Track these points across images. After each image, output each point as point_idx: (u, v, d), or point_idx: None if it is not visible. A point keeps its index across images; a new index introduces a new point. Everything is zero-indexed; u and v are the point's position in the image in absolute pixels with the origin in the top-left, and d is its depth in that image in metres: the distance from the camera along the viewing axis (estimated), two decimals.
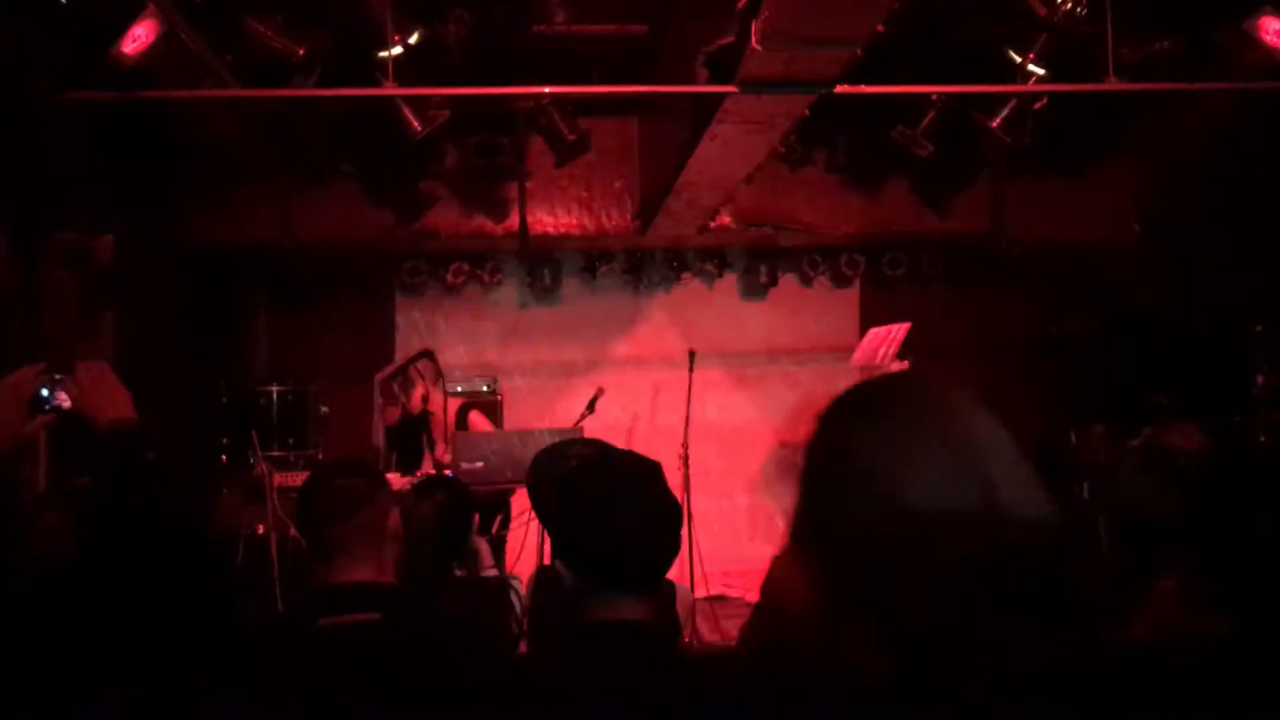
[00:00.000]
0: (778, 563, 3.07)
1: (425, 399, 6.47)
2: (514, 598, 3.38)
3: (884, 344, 6.68)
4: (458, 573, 3.35)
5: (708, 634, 6.99)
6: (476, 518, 3.51)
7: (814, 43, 4.02)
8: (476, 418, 6.56)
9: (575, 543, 2.00)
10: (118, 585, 2.07)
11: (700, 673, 2.29)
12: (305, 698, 2.21)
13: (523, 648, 3.27)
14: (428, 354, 6.68)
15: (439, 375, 6.61)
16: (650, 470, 2.05)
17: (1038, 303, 8.88)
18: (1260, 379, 6.57)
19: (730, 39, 4.40)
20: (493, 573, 3.67)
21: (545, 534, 6.14)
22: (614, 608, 1.94)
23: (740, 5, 4.09)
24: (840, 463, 1.20)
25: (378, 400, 6.59)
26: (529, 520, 6.32)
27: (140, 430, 2.29)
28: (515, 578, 3.75)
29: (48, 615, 1.93)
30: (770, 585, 2.97)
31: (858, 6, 3.71)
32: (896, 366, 6.78)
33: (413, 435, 6.67)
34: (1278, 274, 6.80)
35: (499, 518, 5.95)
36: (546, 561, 6.11)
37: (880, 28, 4.12)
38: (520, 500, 6.57)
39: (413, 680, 2.27)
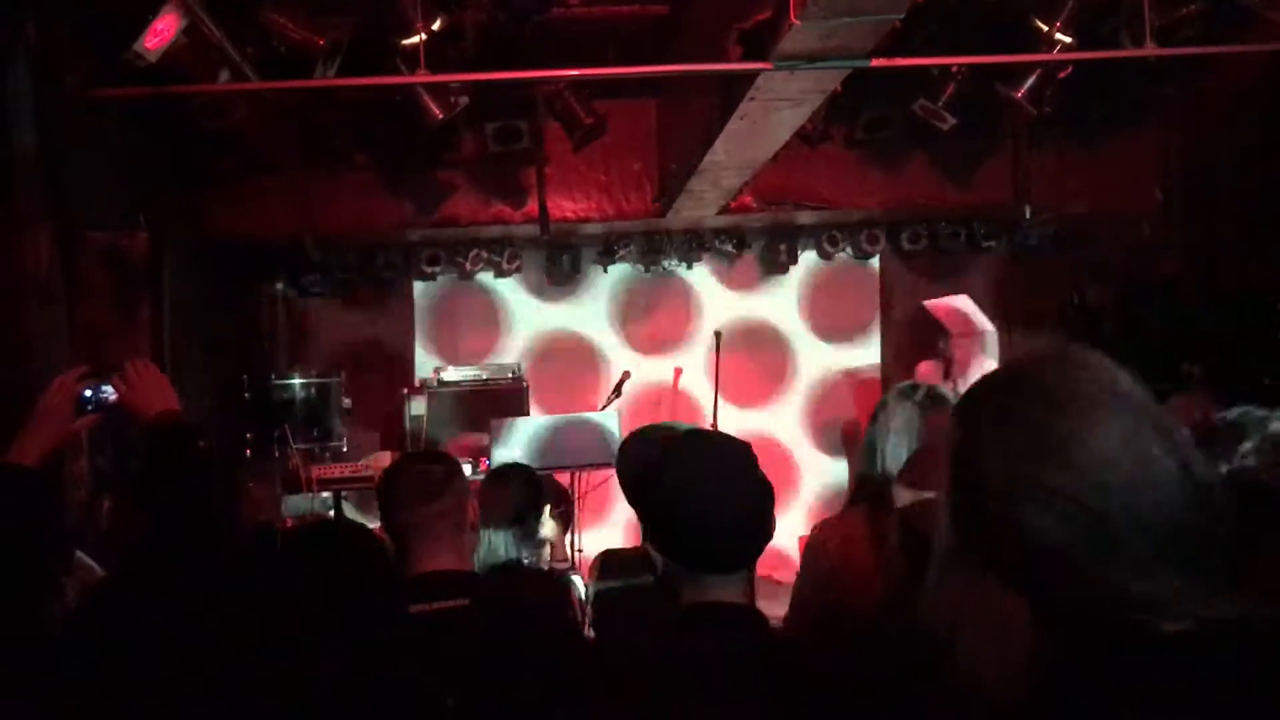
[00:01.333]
0: (826, 527, 3.06)
1: None
2: (573, 589, 3.37)
3: (964, 312, 6.66)
4: (525, 561, 3.32)
5: None
6: (548, 508, 3.49)
7: (855, 14, 3.97)
8: None
9: (665, 527, 1.98)
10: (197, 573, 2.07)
11: (795, 650, 2.29)
12: (403, 683, 2.20)
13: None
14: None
15: None
16: (739, 451, 2.03)
17: (1060, 273, 8.85)
18: None
19: (767, 14, 4.35)
20: (563, 564, 3.66)
21: (575, 522, 6.16)
22: (710, 589, 1.94)
23: None
24: (1019, 438, 1.15)
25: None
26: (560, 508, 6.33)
27: (186, 421, 2.36)
28: (572, 568, 3.74)
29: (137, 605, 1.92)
30: (821, 550, 2.96)
31: None
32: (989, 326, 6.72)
33: None
34: None
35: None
36: (580, 549, 6.12)
37: None
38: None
39: (505, 667, 2.27)
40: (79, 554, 2.53)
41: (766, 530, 1.98)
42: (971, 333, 6.61)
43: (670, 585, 1.98)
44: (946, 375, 6.76)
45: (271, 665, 1.78)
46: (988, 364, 6.78)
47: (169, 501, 2.17)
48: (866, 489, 2.88)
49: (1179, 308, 7.61)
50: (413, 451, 2.69)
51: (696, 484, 1.90)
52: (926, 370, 6.89)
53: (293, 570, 1.99)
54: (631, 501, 2.53)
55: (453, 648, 2.25)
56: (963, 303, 6.79)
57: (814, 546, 2.93)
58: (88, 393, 2.33)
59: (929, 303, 6.93)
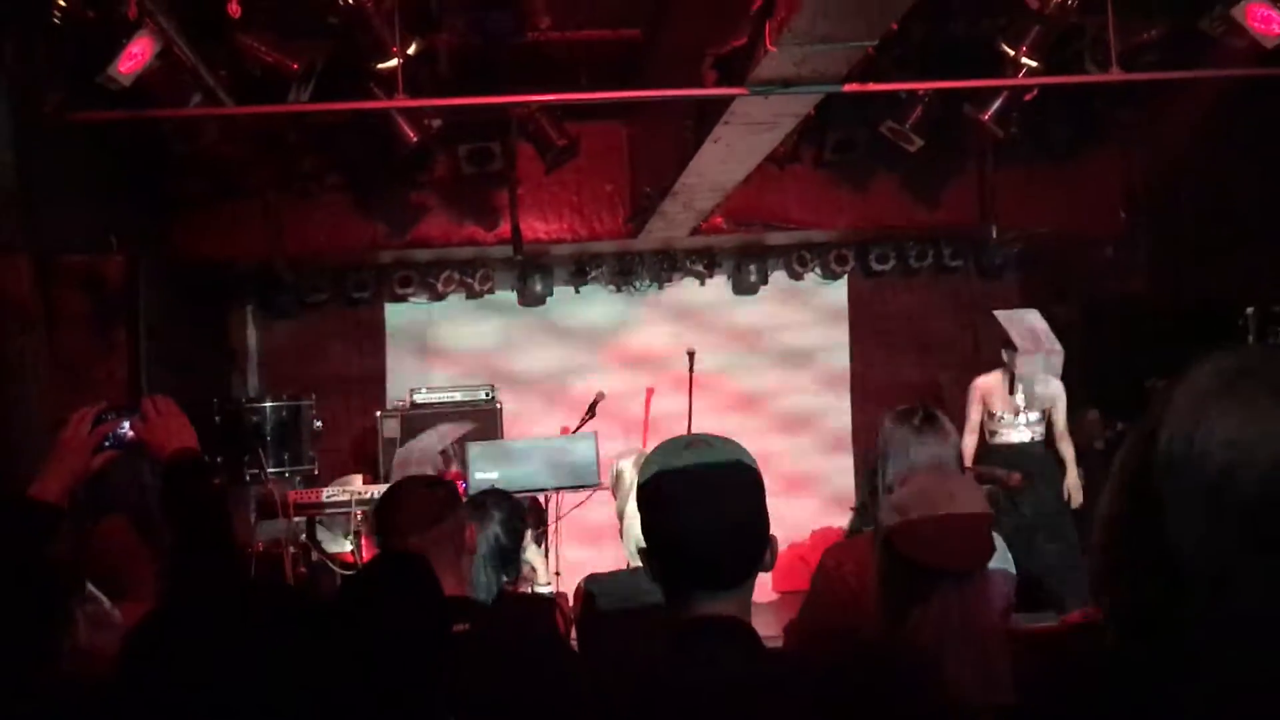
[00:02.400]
0: (839, 552, 3.09)
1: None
2: (558, 615, 3.38)
3: (1037, 323, 6.68)
4: (505, 585, 3.33)
5: None
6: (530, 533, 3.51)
7: (829, 42, 4.04)
8: None
9: (654, 543, 1.99)
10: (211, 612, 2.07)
11: (791, 664, 2.30)
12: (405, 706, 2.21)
13: None
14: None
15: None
16: (731, 465, 2.00)
17: (1026, 291, 8.98)
18: None
19: (742, 41, 4.41)
20: (546, 587, 3.66)
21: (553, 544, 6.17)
22: (703, 606, 1.93)
23: (755, 7, 4.10)
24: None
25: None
26: (540, 530, 6.34)
27: (204, 459, 2.34)
28: (561, 593, 3.76)
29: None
30: (837, 576, 2.98)
31: (876, 5, 3.73)
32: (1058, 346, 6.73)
33: None
34: (1265, 259, 6.90)
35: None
36: (557, 571, 6.12)
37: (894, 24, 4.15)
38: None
39: (507, 691, 2.28)
40: (89, 585, 2.52)
41: (760, 546, 1.96)
42: (1039, 350, 6.63)
43: (667, 604, 1.99)
44: (1011, 390, 6.77)
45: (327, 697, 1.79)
46: (1053, 383, 6.80)
47: (185, 538, 2.16)
48: (867, 511, 2.91)
49: (1142, 326, 7.74)
50: (413, 477, 2.70)
51: (679, 500, 1.88)
52: (987, 385, 6.88)
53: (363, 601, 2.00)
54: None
55: (455, 671, 2.26)
56: (1034, 319, 6.82)
57: (828, 572, 2.94)
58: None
59: (1000, 313, 6.95)
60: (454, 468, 6.26)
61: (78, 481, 2.28)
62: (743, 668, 1.89)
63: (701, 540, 1.87)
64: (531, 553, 3.49)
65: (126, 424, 2.33)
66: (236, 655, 1.17)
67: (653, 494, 1.95)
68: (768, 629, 3.08)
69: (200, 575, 2.10)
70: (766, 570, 1.98)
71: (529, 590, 3.80)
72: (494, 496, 3.44)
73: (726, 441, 2.02)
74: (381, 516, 2.54)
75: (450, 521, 2.49)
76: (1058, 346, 6.74)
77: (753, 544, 1.94)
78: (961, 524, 2.33)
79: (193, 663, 1.18)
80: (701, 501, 1.88)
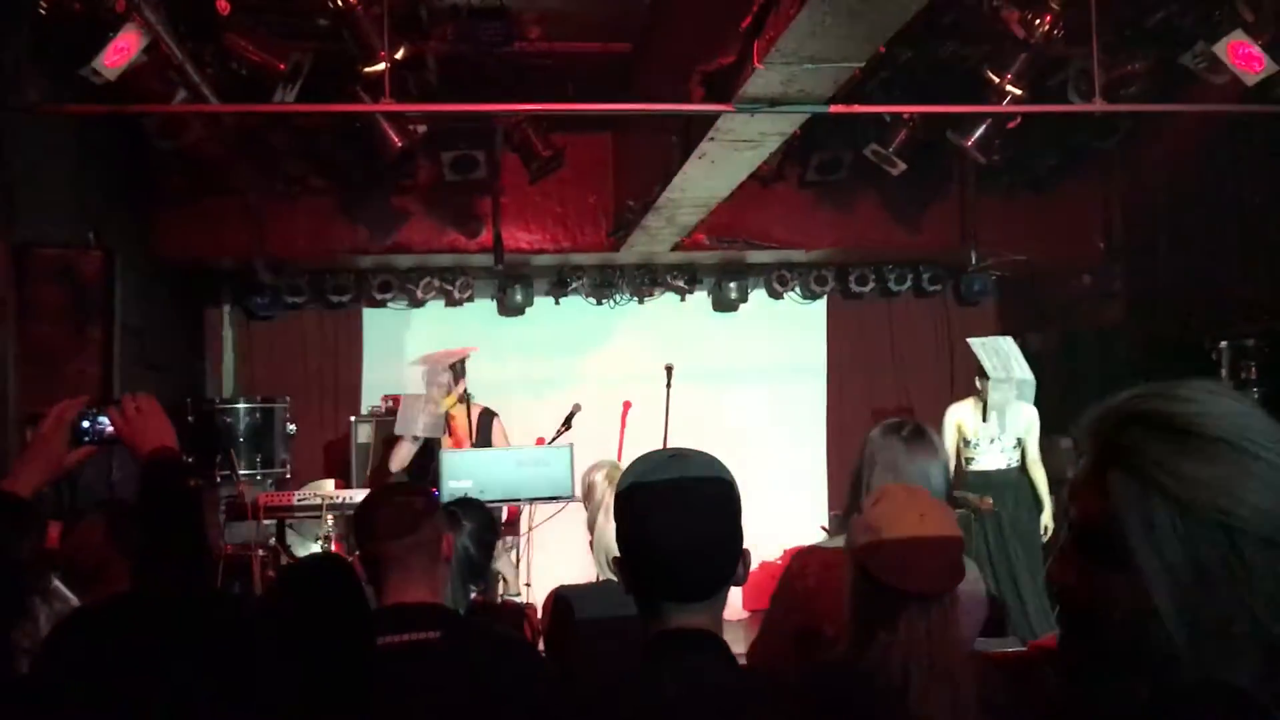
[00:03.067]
0: (806, 555, 3.09)
1: (461, 398, 6.50)
2: (526, 626, 3.37)
3: (1011, 351, 6.74)
4: (474, 596, 3.32)
5: None
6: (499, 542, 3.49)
7: (817, 62, 4.06)
8: (501, 426, 6.60)
9: (627, 554, 1.99)
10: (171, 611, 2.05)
11: (762, 677, 2.30)
12: (369, 714, 2.19)
13: None
14: (466, 356, 6.71)
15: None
16: (707, 478, 1.99)
17: (1003, 317, 9.05)
18: None
19: (731, 58, 4.43)
20: (517, 597, 3.64)
21: (523, 558, 6.15)
22: (674, 618, 1.93)
23: (744, 25, 4.12)
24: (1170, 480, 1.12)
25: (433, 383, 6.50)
26: (513, 541, 6.31)
27: (182, 458, 2.32)
28: (520, 599, 3.74)
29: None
30: (799, 575, 2.98)
31: (864, 27, 3.76)
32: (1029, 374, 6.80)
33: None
34: (1239, 292, 6.96)
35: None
36: (528, 582, 6.10)
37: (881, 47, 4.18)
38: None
39: (475, 700, 2.27)
40: (55, 582, 2.50)
41: (731, 560, 1.95)
42: (1011, 377, 6.70)
43: (639, 615, 1.99)
44: (985, 417, 6.83)
45: (243, 698, 1.77)
46: (1025, 410, 6.85)
47: (158, 538, 2.14)
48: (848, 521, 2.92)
49: (1117, 355, 7.80)
50: (391, 484, 2.72)
51: (654, 512, 1.90)
52: (961, 411, 6.95)
53: (276, 604, 1.98)
54: None
55: (422, 679, 2.24)
56: (1007, 346, 6.88)
57: (792, 572, 2.95)
58: (85, 424, 2.29)
59: (974, 340, 7.01)
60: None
61: (53, 478, 2.26)
62: (713, 679, 1.90)
63: (675, 552, 1.87)
64: (503, 563, 3.47)
65: (106, 420, 2.31)
66: (140, 653, 1.18)
67: (629, 505, 1.96)
68: (737, 646, 3.08)
69: (169, 576, 2.08)
70: (739, 584, 1.98)
71: (499, 600, 3.77)
72: (466, 506, 3.42)
73: (704, 455, 2.03)
74: (360, 522, 2.54)
75: (427, 529, 2.48)
76: (1030, 374, 6.80)
77: (726, 557, 1.94)
78: (932, 547, 2.33)
79: (97, 660, 1.18)
80: (677, 514, 1.89)
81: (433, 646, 2.32)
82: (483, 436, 6.60)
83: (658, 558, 1.89)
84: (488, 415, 6.74)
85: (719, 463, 2.02)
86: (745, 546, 1.97)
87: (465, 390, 6.62)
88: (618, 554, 1.96)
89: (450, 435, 6.60)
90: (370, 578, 2.47)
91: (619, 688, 1.92)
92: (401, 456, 6.52)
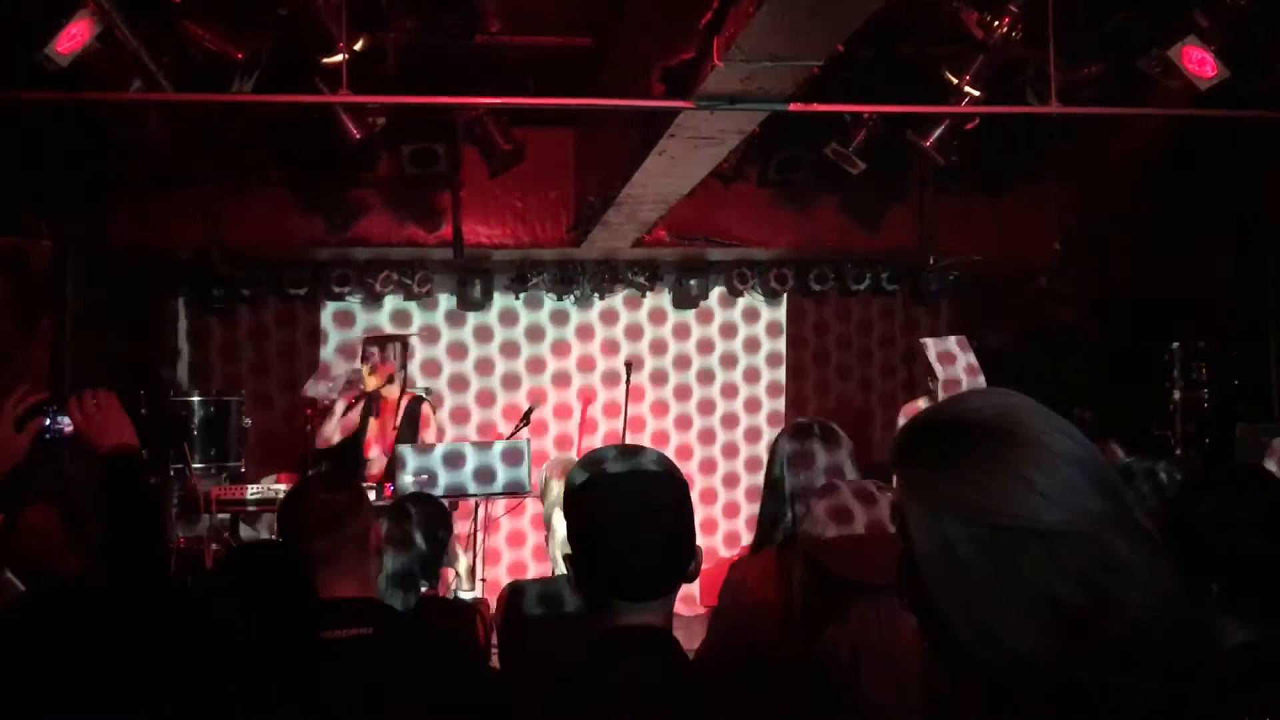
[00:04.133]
0: (743, 567, 3.11)
1: (391, 380, 6.47)
2: (478, 620, 3.36)
3: (961, 352, 6.75)
4: (425, 590, 3.30)
5: None
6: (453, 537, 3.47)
7: (776, 60, 4.07)
8: (429, 411, 6.59)
9: (579, 552, 1.98)
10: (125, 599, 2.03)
11: (712, 675, 2.30)
12: (301, 712, 2.18)
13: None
14: (405, 340, 6.69)
15: (404, 369, 6.64)
16: (659, 476, 1.98)
17: (960, 317, 9.12)
18: (1178, 395, 6.82)
19: (690, 54, 4.43)
20: (470, 593, 3.62)
21: (477, 553, 6.14)
22: (625, 616, 1.93)
23: (703, 22, 4.12)
24: (954, 488, 1.15)
25: (350, 364, 6.50)
26: (467, 537, 6.29)
27: (141, 456, 2.36)
28: (475, 595, 3.73)
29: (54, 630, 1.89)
30: (740, 589, 3.00)
31: (823, 25, 3.77)
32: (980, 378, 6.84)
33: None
34: (1190, 296, 7.07)
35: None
36: (483, 578, 6.09)
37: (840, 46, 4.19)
38: (462, 515, 6.52)
39: (408, 697, 2.26)
40: (6, 574, 2.47)
41: (683, 559, 1.95)
42: (960, 376, 6.75)
43: (589, 611, 1.98)
44: None
45: (188, 689, 1.75)
46: None
47: (115, 534, 2.13)
48: (774, 527, 2.93)
49: (1072, 356, 7.89)
50: (315, 476, 2.70)
51: (606, 509, 1.89)
52: (915, 409, 6.99)
53: (224, 594, 1.97)
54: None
55: (353, 676, 2.23)
56: (958, 345, 6.92)
57: (732, 586, 2.96)
58: (46, 422, 2.30)
59: (926, 340, 7.06)
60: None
61: (9, 467, 2.25)
62: (664, 677, 1.89)
63: (627, 549, 1.87)
64: (459, 560, 3.45)
65: (66, 420, 2.32)
66: (96, 641, 1.18)
67: (580, 501, 1.95)
68: (692, 642, 3.10)
69: (125, 571, 2.07)
70: (690, 581, 1.98)
71: (452, 596, 3.75)
72: (417, 501, 3.40)
73: (655, 452, 2.03)
74: (284, 520, 2.50)
75: (353, 525, 2.45)
76: (980, 375, 6.86)
77: (678, 555, 1.94)
78: (880, 540, 2.36)
79: (33, 648, 1.18)
80: (628, 510, 1.89)
81: (365, 642, 2.30)
82: (409, 421, 6.60)
83: (609, 556, 1.88)
84: (416, 401, 6.75)
85: (669, 460, 2.02)
86: (697, 544, 1.97)
87: (404, 374, 6.63)
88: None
89: (376, 417, 6.61)
90: None
91: (566, 687, 1.92)
92: (334, 424, 6.53)
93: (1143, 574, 1.09)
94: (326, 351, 8.43)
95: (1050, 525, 1.09)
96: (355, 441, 6.66)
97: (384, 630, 2.39)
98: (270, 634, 1.90)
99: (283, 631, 1.95)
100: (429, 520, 3.32)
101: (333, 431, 6.57)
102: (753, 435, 9.09)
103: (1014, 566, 1.09)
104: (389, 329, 8.46)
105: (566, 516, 2.02)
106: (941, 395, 6.77)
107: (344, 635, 2.33)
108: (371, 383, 6.49)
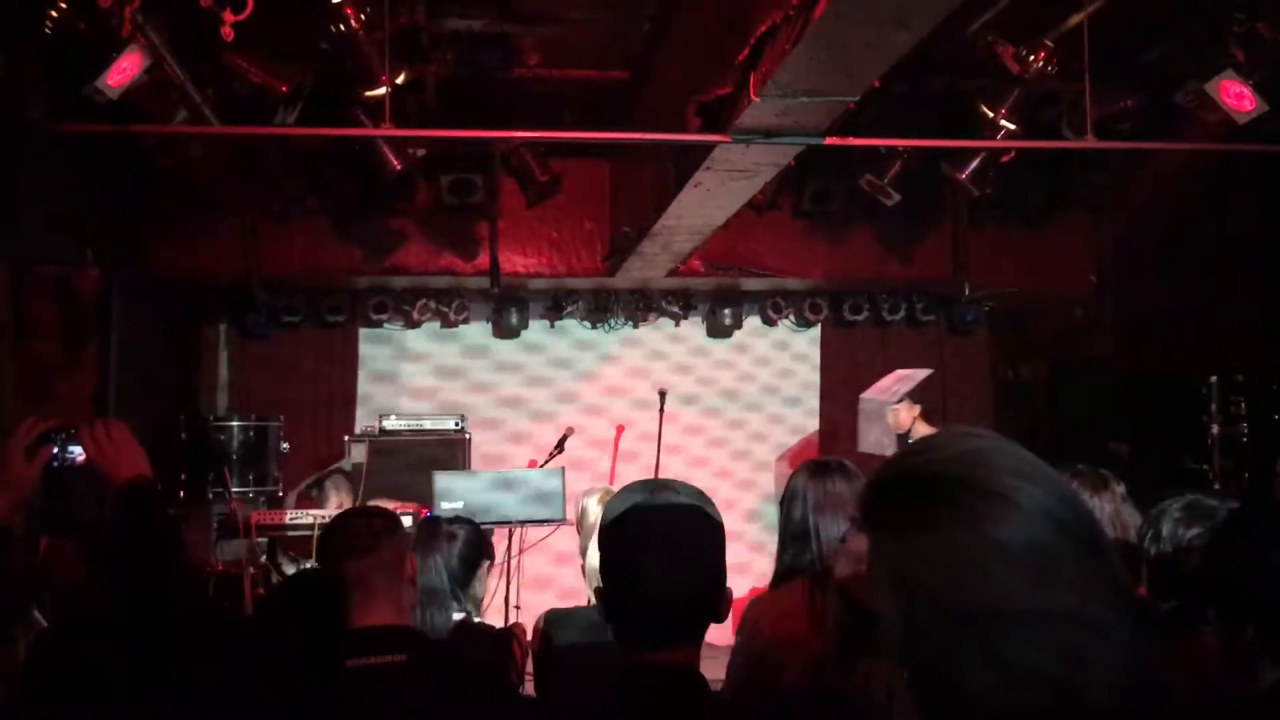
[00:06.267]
0: (761, 604, 3.11)
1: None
2: (515, 646, 3.37)
3: (900, 382, 6.77)
4: (458, 616, 3.32)
5: None
6: (487, 564, 3.49)
7: (812, 95, 4.11)
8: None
9: (607, 594, 1.98)
10: (144, 636, 2.06)
11: (740, 714, 2.31)
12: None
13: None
14: (341, 470, 6.74)
15: (352, 492, 6.67)
16: (687, 522, 1.98)
17: (994, 348, 9.10)
18: (1215, 429, 6.76)
19: (727, 89, 4.48)
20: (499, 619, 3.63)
21: (513, 580, 6.16)
22: (653, 651, 1.92)
23: (740, 58, 4.17)
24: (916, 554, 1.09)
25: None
26: (502, 564, 6.32)
27: (158, 487, 2.33)
28: (519, 624, 3.75)
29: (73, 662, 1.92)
30: (755, 628, 3.00)
31: (862, 62, 3.81)
32: (904, 406, 6.86)
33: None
34: (1228, 328, 7.02)
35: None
36: (516, 605, 6.11)
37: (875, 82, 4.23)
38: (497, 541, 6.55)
39: None
40: (34, 612, 2.50)
41: (713, 600, 1.94)
42: (879, 401, 6.78)
43: (618, 645, 1.98)
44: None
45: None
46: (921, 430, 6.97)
47: (138, 566, 2.14)
48: (795, 564, 2.93)
49: (1106, 389, 7.84)
50: (355, 507, 2.75)
51: (638, 549, 1.89)
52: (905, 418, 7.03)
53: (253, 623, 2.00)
54: None
55: (387, 703, 2.26)
56: (906, 375, 6.95)
57: (749, 624, 2.96)
58: (55, 450, 2.29)
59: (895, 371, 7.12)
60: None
61: (21, 497, 2.26)
62: (691, 716, 1.90)
63: (657, 586, 1.86)
64: (483, 580, 3.46)
65: (78, 450, 2.30)
66: (117, 676, 1.20)
67: (614, 535, 1.95)
68: (723, 672, 3.10)
69: (146, 604, 2.07)
70: (719, 621, 1.97)
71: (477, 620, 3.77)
72: (458, 523, 3.43)
73: (690, 488, 2.03)
74: (321, 544, 2.56)
75: (385, 550, 2.49)
76: (905, 405, 6.87)
77: (707, 594, 1.93)
78: None
79: (73, 675, 1.20)
80: (661, 547, 1.88)
81: (399, 670, 2.33)
82: None
83: (643, 590, 1.87)
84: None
85: (705, 497, 2.01)
86: (727, 585, 1.96)
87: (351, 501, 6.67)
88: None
89: None
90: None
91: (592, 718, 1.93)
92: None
93: (1118, 634, 1.04)
94: (364, 376, 8.54)
95: (1016, 607, 1.03)
96: None
97: (418, 657, 2.42)
98: (306, 664, 1.93)
99: (314, 661, 1.98)
100: (464, 543, 3.35)
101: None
102: (785, 468, 9.07)
103: (982, 641, 1.03)
104: (425, 354, 8.56)
105: (600, 548, 2.03)
106: (861, 402, 6.87)
107: (376, 662, 2.36)
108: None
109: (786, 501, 2.99)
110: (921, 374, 6.97)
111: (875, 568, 1.14)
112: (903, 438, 7.04)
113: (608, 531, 1.97)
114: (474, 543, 3.39)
